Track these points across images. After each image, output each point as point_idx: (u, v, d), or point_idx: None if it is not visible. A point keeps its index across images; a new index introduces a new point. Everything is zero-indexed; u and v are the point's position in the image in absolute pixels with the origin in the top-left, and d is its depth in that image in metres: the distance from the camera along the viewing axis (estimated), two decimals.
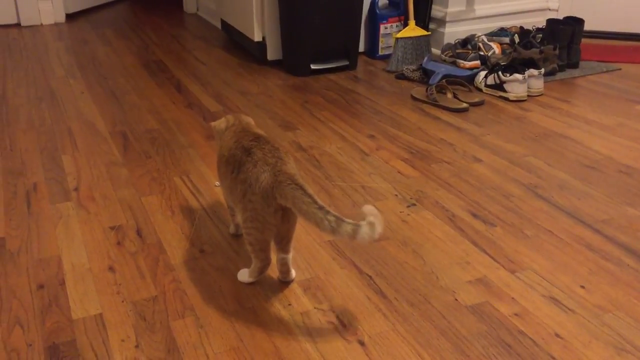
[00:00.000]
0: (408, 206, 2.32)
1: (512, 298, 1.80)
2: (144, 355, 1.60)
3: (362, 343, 1.63)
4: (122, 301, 1.81)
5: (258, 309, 1.78)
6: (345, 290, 1.85)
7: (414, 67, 3.76)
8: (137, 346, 1.63)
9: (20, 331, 1.70)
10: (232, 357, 1.60)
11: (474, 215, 2.25)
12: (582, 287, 1.85)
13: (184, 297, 1.82)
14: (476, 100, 3.33)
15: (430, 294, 1.82)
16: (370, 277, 1.91)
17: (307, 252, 2.05)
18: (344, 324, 1.70)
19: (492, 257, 2.00)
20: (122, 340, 1.66)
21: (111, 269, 1.96)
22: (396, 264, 1.97)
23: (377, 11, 4.04)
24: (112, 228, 2.19)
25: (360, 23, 3.92)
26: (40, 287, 1.88)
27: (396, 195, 2.40)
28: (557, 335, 1.66)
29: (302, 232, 2.14)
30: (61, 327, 1.71)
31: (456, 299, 1.80)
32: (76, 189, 2.45)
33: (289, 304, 1.80)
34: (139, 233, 2.16)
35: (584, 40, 4.03)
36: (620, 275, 1.91)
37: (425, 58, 3.73)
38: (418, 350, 1.60)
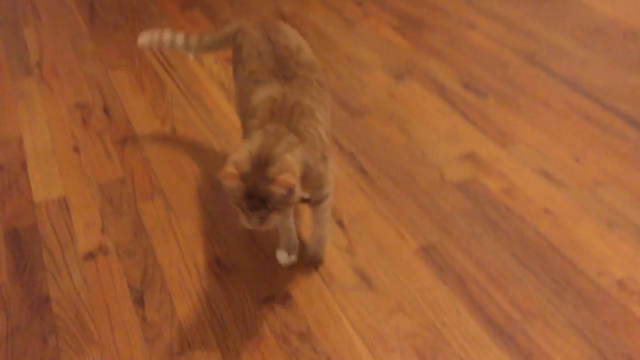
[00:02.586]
0: (396, 78, 2.15)
1: (502, 173, 1.69)
2: (110, 239, 1.51)
3: (341, 224, 1.54)
4: (88, 184, 1.70)
5: None
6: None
7: None
8: (102, 230, 1.54)
9: None
10: (202, 241, 1.51)
11: (466, 86, 2.09)
12: (577, 159, 1.74)
13: (153, 178, 1.71)
14: None
15: (415, 172, 1.71)
16: (352, 154, 1.79)
17: None
18: None
19: (482, 131, 1.87)
20: (87, 225, 1.56)
21: (76, 149, 1.83)
22: (381, 140, 1.84)
23: None
24: (77, 106, 2.04)
25: None
26: (0, 168, 1.76)
27: (384, 66, 2.23)
28: (546, 211, 1.56)
29: None
30: (22, 211, 1.61)
31: (442, 176, 1.69)
32: (39, 64, 2.28)
33: None
34: (106, 111, 2.01)
35: None
36: (619, 146, 1.79)
37: None
38: (399, 229, 1.51)
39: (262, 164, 1.11)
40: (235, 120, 1.93)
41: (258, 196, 1.10)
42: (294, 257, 1.41)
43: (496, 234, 1.49)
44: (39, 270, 1.43)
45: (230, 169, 1.10)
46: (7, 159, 1.80)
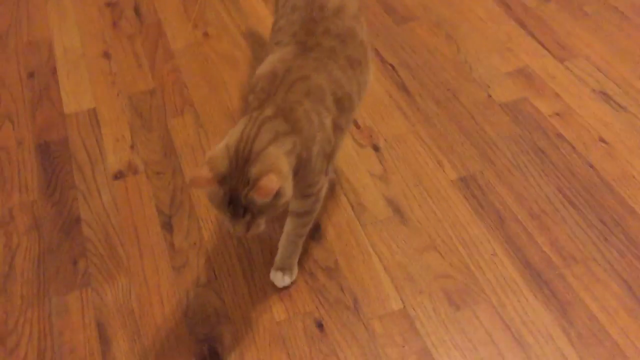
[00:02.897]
0: None
1: (556, 94, 1.56)
2: (140, 157, 1.48)
3: (376, 148, 1.46)
4: (118, 94, 1.65)
5: None
6: None
7: None
8: (132, 147, 1.51)
9: (10, 127, 1.59)
10: None
11: None
12: None
13: (183, 91, 1.64)
14: None
15: (461, 89, 1.58)
16: (393, 67, 1.66)
17: None
18: (358, 125, 1.52)
19: (539, 42, 1.70)
20: (117, 140, 1.53)
21: (106, 54, 1.77)
22: (425, 51, 1.70)
23: None
24: (107, 4, 1.95)
25: None
26: (31, 75, 1.72)
27: None
28: (601, 139, 1.44)
29: None
30: (53, 123, 1.58)
31: (489, 95, 1.56)
32: None
33: None
34: (137, 11, 1.92)
35: None
36: None
37: None
38: (437, 157, 1.43)
39: (241, 161, 0.89)
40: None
41: (239, 202, 0.89)
42: (287, 280, 1.18)
43: (543, 165, 1.39)
44: (70, 189, 1.42)
45: (203, 171, 0.88)
46: (38, 65, 1.75)
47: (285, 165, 0.91)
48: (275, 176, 0.87)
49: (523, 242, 1.25)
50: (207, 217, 1.34)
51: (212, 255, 1.27)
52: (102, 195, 1.40)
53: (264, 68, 1.03)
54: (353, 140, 1.48)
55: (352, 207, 1.34)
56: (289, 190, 0.92)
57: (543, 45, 1.69)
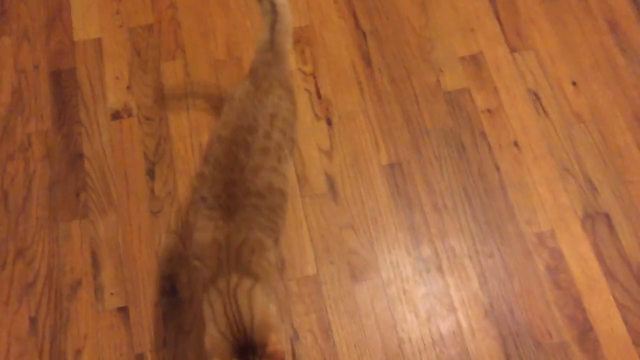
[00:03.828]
0: None
1: (495, 89, 1.81)
2: (135, 99, 1.78)
3: (329, 122, 1.76)
4: (120, 25, 1.89)
5: (245, 60, 1.85)
6: (334, 51, 1.85)
7: None
8: (128, 87, 1.80)
9: (28, 48, 1.85)
10: (208, 120, 1.76)
11: None
12: (574, 84, 1.81)
13: (177, 31, 1.88)
14: None
15: (416, 69, 1.82)
16: (364, 35, 1.88)
17: None
18: (319, 95, 1.79)
19: (501, 26, 1.89)
20: (116, 78, 1.82)
21: None
22: (397, 19, 1.89)
23: None
24: None
25: None
26: None
27: None
28: (515, 143, 1.73)
29: None
30: (64, 50, 1.85)
31: (438, 81, 1.81)
32: None
33: None
34: None
35: None
36: (622, 74, 1.82)
37: None
38: (377, 140, 1.73)
39: (242, 338, 1.02)
40: None
41: None
42: None
43: (459, 162, 1.70)
44: (76, 123, 1.75)
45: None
46: None
47: (273, 309, 1.08)
48: (275, 335, 1.02)
49: (421, 233, 1.62)
50: (182, 169, 1.68)
51: (182, 205, 1.65)
52: (102, 134, 1.73)
53: (203, 236, 1.16)
54: (312, 110, 1.77)
55: (298, 178, 1.68)
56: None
57: (503, 31, 1.89)
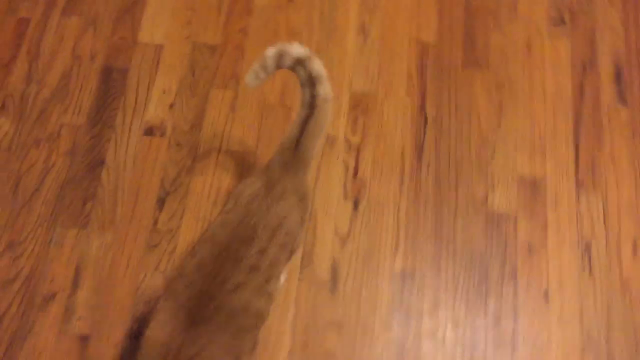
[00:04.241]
0: None
1: (545, 224, 1.63)
2: (172, 119, 1.72)
3: (355, 206, 1.65)
4: (187, 37, 1.83)
5: (294, 111, 1.74)
6: (388, 130, 1.73)
7: None
8: (171, 105, 1.74)
9: (91, 35, 1.82)
10: (235, 166, 1.67)
11: None
12: (634, 247, 1.61)
13: (239, 60, 1.80)
14: None
15: (466, 176, 1.68)
16: (426, 119, 1.74)
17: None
18: (356, 172, 1.68)
19: (577, 154, 1.70)
20: (163, 92, 1.76)
21: None
22: (466, 112, 1.75)
23: None
24: None
25: None
26: None
27: None
28: (545, 294, 1.56)
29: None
30: (124, 48, 1.81)
31: (487, 196, 1.66)
32: None
33: None
34: None
35: None
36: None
37: None
38: (399, 240, 1.60)
39: None
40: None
41: None
42: None
43: (477, 293, 1.55)
44: (109, 127, 1.71)
45: None
46: None
47: None
48: None
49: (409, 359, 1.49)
50: (193, 208, 1.61)
51: (179, 247, 1.58)
52: (128, 147, 1.69)
53: (157, 333, 1.06)
54: (343, 187, 1.66)
55: (302, 256, 1.58)
56: None
57: (576, 161, 1.70)
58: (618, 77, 1.79)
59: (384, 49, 1.81)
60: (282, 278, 1.26)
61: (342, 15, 1.85)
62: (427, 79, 1.77)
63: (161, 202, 1.62)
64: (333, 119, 1.69)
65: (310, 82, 1.17)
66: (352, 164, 1.67)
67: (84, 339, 1.47)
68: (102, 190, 1.63)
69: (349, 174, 1.66)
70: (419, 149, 1.69)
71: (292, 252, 1.22)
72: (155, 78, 1.77)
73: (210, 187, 1.64)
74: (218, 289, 1.07)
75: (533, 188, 1.66)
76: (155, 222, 1.60)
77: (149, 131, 1.70)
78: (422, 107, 1.74)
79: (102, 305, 1.51)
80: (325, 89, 1.18)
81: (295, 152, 1.21)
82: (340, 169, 1.66)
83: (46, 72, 1.76)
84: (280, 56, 1.15)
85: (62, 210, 1.60)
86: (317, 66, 1.16)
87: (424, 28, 1.84)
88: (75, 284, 1.52)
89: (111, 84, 1.76)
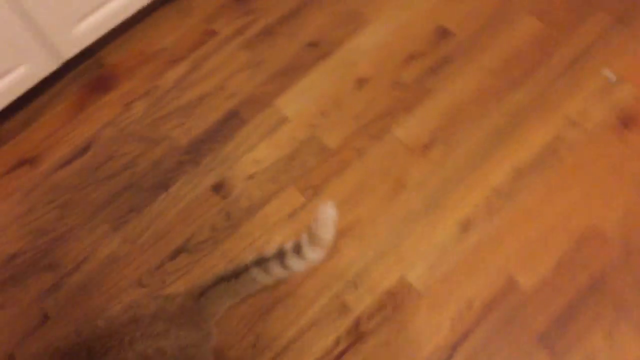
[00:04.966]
0: None
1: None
2: (241, 189, 1.75)
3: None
4: (311, 125, 1.82)
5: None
6: None
7: None
8: (250, 177, 1.77)
9: (247, 75, 1.91)
10: None
11: None
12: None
13: (334, 175, 1.74)
14: None
15: None
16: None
17: None
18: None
19: None
20: (255, 161, 1.79)
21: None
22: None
23: None
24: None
25: None
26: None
27: None
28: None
29: None
30: (260, 101, 1.86)
31: None
32: None
33: None
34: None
35: None
36: None
37: None
38: None
39: None
40: None
41: None
42: None
43: None
44: (193, 162, 1.81)
45: None
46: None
47: None
48: None
49: None
50: (190, 279, 1.65)
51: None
52: (193, 189, 1.76)
53: None
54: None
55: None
56: None
57: None
58: None
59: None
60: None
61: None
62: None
63: (176, 254, 1.68)
64: None
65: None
66: None
67: (45, 319, 1.65)
68: (148, 211, 1.75)
69: None
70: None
71: None
72: (259, 145, 1.79)
73: (218, 269, 1.66)
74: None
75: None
76: (159, 267, 1.68)
77: (217, 187, 1.75)
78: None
79: (74, 304, 1.66)
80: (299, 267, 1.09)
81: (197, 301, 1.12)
82: None
83: (192, 86, 1.91)
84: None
85: (111, 205, 1.76)
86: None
87: None
88: (76, 269, 1.69)
89: (226, 126, 1.83)
